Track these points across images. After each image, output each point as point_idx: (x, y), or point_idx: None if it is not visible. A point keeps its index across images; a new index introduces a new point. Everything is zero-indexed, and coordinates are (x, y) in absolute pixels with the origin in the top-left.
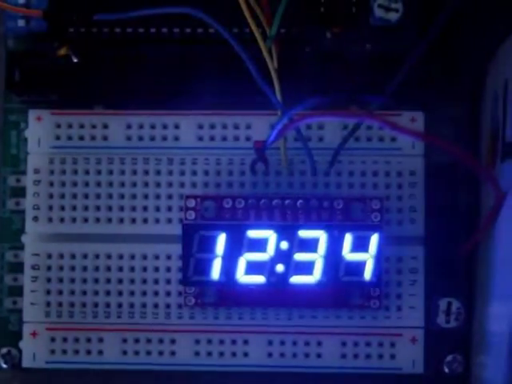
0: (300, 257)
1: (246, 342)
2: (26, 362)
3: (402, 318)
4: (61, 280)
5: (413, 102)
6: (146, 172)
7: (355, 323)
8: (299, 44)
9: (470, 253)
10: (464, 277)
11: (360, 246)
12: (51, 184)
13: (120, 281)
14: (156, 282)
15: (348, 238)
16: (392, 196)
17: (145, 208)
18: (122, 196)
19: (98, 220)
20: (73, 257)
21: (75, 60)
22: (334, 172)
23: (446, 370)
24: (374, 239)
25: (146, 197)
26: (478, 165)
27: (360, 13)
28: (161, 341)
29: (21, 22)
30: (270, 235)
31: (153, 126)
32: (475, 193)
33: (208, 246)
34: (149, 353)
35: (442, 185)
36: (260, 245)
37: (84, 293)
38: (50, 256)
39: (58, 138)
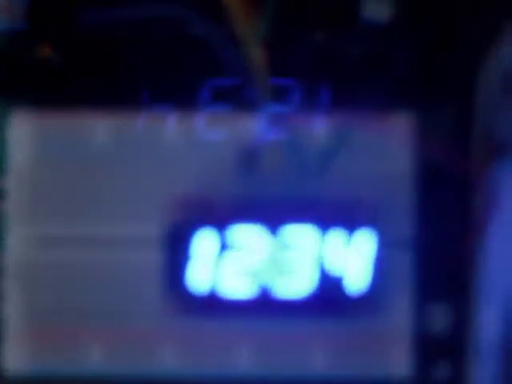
0: (288, 260)
1: (232, 350)
2: (7, 370)
3: (391, 323)
4: (44, 285)
5: (404, 103)
6: (132, 174)
7: (343, 327)
8: (288, 44)
9: (461, 256)
10: (455, 281)
11: (350, 248)
12: (34, 187)
13: (104, 286)
14: (141, 287)
15: (338, 241)
16: (383, 198)
17: (130, 211)
18: (108, 199)
19: (82, 224)
20: (56, 261)
21: (57, 60)
22: (324, 173)
23: (436, 376)
24: (365, 242)
25: (131, 199)
26: (470, 166)
27: (350, 12)
28: (146, 349)
29: (1, 20)
30: (258, 237)
31: (138, 127)
32: (468, 195)
33: (193, 249)
34: (134, 361)
35: (435, 187)
36: (247, 247)
37: (68, 298)
38: (33, 260)
39: (41, 140)
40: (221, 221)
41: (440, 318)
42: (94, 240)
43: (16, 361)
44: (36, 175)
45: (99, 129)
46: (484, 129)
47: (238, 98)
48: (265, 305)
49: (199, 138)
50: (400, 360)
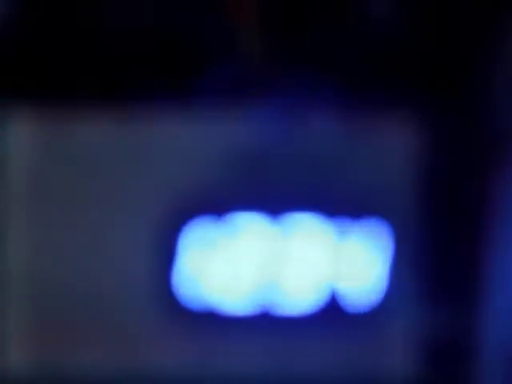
0: (296, 262)
1: (233, 351)
2: (9, 370)
3: (399, 324)
4: (46, 287)
5: (408, 101)
6: (131, 172)
7: (351, 329)
8: (290, 43)
9: (469, 260)
10: (462, 284)
11: (358, 247)
12: (35, 188)
13: (104, 287)
14: (139, 289)
15: (345, 241)
16: (390, 198)
17: (130, 207)
18: (108, 198)
19: (82, 223)
20: (52, 263)
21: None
22: (333, 172)
23: (442, 377)
24: (373, 240)
25: (130, 195)
26: (477, 167)
27: (352, 9)
28: (144, 350)
29: None
30: (260, 228)
31: (137, 123)
32: (476, 195)
33: (190, 243)
34: (132, 362)
35: (444, 186)
36: (248, 239)
37: (69, 301)
38: (34, 262)
39: (40, 140)
40: (220, 213)
41: (446, 321)
42: (93, 241)
43: (18, 361)
44: (37, 177)
45: (97, 126)
46: (495, 128)
47: (239, 92)
48: (270, 307)
49: (199, 132)
50: (405, 361)
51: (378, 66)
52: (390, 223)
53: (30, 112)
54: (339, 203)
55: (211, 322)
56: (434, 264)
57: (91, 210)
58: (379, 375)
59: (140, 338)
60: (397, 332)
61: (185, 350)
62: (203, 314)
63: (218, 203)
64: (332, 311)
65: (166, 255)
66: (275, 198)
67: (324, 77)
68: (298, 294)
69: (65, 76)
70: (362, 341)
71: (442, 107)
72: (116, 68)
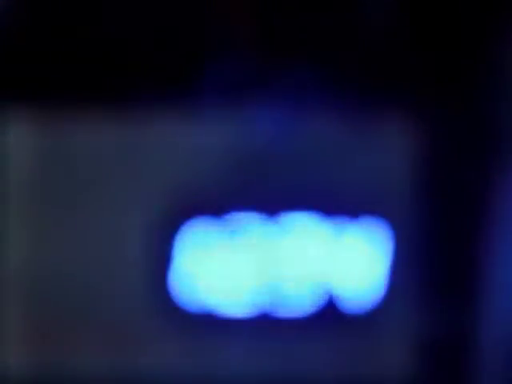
0: (295, 263)
1: (231, 352)
2: (9, 369)
3: (399, 324)
4: (45, 287)
5: (409, 101)
6: (131, 171)
7: (350, 329)
8: (291, 42)
9: (466, 258)
10: (463, 284)
11: (357, 247)
12: (35, 189)
13: (103, 288)
14: (137, 290)
15: (344, 241)
16: (390, 198)
17: (129, 207)
18: (109, 198)
19: (81, 224)
20: (51, 263)
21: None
22: (332, 172)
23: (441, 377)
24: (372, 240)
25: (129, 195)
26: (478, 166)
27: (352, 9)
28: (142, 351)
29: None
30: (260, 227)
31: (137, 122)
32: (476, 195)
33: (188, 242)
34: (130, 363)
35: (444, 186)
36: (249, 237)
37: (64, 300)
38: (34, 263)
39: (40, 141)
40: (219, 213)
41: (446, 320)
42: (92, 241)
43: (18, 361)
44: (36, 177)
45: (97, 126)
46: (495, 128)
47: (239, 92)
48: (268, 309)
49: (199, 131)
50: (404, 361)
51: (378, 66)
52: (390, 223)
53: (30, 112)
54: (338, 203)
55: (209, 323)
56: (434, 264)
57: (90, 210)
58: (378, 375)
59: (139, 339)
60: (396, 332)
61: (183, 352)
62: (201, 315)
63: (217, 203)
64: (331, 311)
65: (164, 256)
66: (274, 198)
67: (324, 77)
68: (297, 295)
69: (64, 76)
70: (361, 341)
71: (441, 107)
72: (116, 68)
